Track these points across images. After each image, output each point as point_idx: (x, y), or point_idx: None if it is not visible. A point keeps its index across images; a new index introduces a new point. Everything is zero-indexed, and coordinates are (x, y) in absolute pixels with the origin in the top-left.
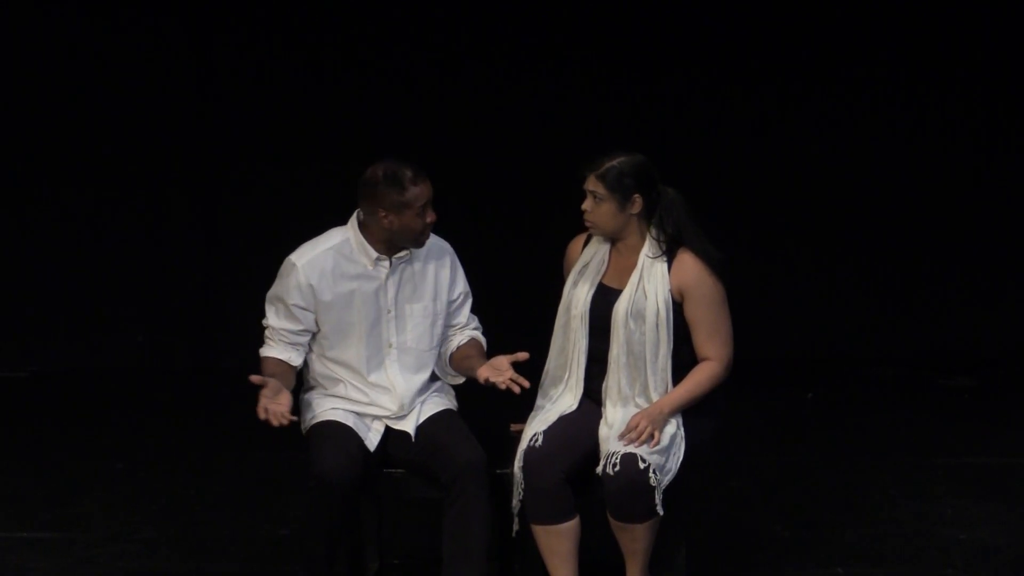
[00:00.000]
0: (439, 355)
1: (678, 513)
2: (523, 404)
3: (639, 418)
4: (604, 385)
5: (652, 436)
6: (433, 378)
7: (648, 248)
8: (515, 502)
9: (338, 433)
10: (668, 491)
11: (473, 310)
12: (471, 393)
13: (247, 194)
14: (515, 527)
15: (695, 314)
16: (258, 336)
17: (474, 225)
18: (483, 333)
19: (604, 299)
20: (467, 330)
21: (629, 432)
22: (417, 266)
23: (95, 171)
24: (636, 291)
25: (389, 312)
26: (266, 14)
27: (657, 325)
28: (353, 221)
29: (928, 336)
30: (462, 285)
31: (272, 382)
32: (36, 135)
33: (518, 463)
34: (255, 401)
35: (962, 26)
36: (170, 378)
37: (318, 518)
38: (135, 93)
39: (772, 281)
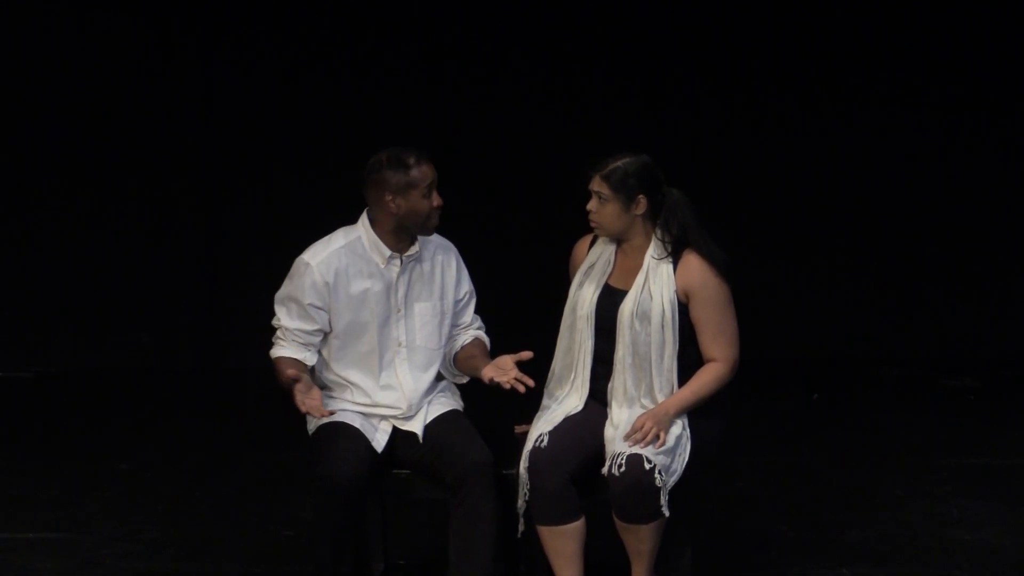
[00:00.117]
0: (444, 355)
1: (684, 514)
2: (528, 405)
3: (644, 419)
4: (610, 386)
5: (657, 437)
6: (439, 378)
7: (653, 249)
8: (520, 503)
9: (345, 434)
10: (674, 492)
11: (479, 310)
12: (476, 394)
13: (252, 195)
14: (520, 528)
15: (700, 315)
16: (263, 337)
17: (480, 226)
18: (488, 333)
19: (610, 300)
20: (471, 330)
21: (634, 433)
22: (425, 265)
23: (100, 172)
24: (642, 292)
25: (399, 311)
26: (271, 17)
27: (663, 326)
28: (363, 219)
29: (933, 337)
30: (467, 284)
31: (305, 377)
32: (40, 136)
33: (523, 464)
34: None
35: (968, 28)
36: (175, 379)
37: (324, 519)
38: (140, 95)
39: (777, 282)
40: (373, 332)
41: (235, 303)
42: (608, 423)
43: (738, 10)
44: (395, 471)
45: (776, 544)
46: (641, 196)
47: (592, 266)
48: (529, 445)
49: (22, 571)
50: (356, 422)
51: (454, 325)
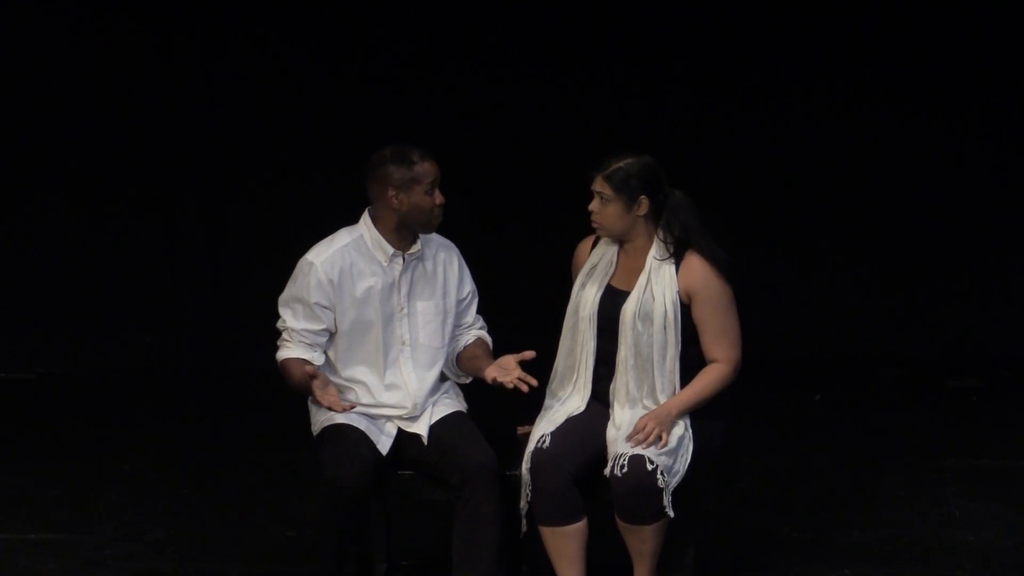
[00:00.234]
0: (447, 355)
1: (686, 514)
2: (531, 406)
3: (647, 420)
4: (612, 387)
5: (660, 438)
6: (443, 378)
7: (655, 250)
8: (523, 503)
9: (350, 436)
10: (676, 492)
11: (481, 311)
12: (479, 395)
13: (255, 195)
14: (523, 528)
15: (703, 316)
16: (265, 337)
17: (483, 227)
18: (490, 334)
19: (612, 301)
20: (473, 330)
21: (637, 434)
22: (428, 264)
23: (102, 172)
24: (644, 293)
25: (402, 310)
26: (273, 16)
27: (665, 327)
28: (365, 217)
29: (936, 338)
30: (469, 284)
31: (322, 374)
32: (43, 137)
33: (526, 464)
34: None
35: (969, 29)
36: (177, 379)
37: (329, 521)
38: (142, 95)
39: (780, 283)
40: (378, 331)
41: (237, 303)
42: (610, 424)
43: (741, 11)
44: (399, 472)
45: (778, 544)
46: (643, 197)
47: (594, 267)
48: (531, 446)
49: (24, 572)
50: (361, 424)
51: (456, 325)
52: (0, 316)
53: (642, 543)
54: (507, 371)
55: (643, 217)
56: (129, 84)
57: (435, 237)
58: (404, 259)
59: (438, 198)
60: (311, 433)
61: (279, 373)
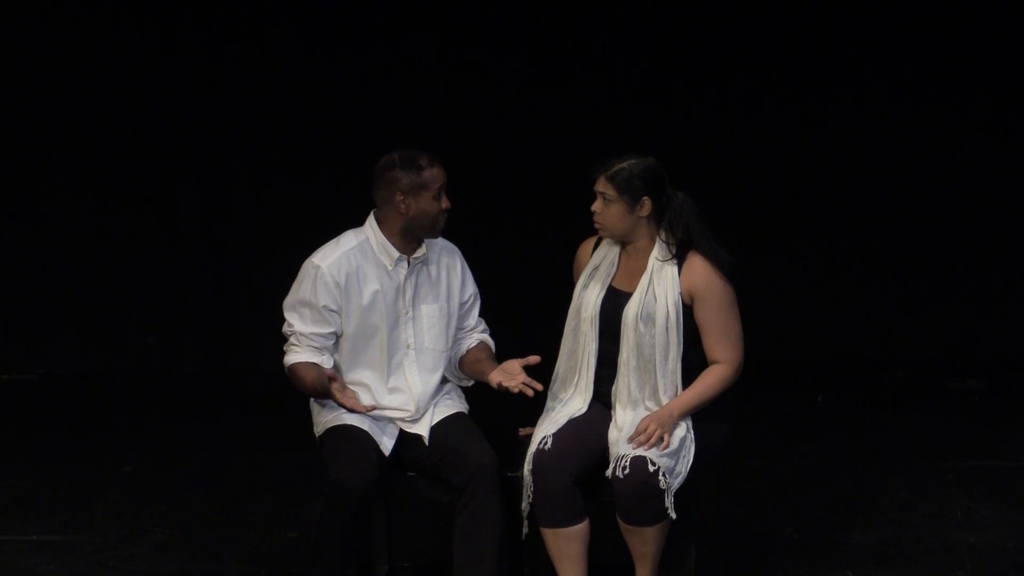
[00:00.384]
0: (448, 358)
1: (688, 516)
2: (533, 407)
3: (648, 421)
4: (614, 388)
5: (661, 439)
6: (444, 380)
7: (657, 251)
8: (524, 505)
9: (354, 438)
10: (678, 494)
11: (483, 313)
12: (481, 396)
13: (256, 198)
14: (524, 530)
15: (705, 317)
16: (267, 338)
17: (485, 228)
18: (492, 336)
19: (614, 302)
20: (475, 333)
21: (638, 435)
22: (432, 268)
23: (104, 174)
24: (646, 294)
25: (407, 314)
26: (275, 17)
27: (667, 328)
28: (371, 220)
29: (938, 339)
30: (472, 286)
31: (340, 377)
32: (45, 138)
33: (527, 466)
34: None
35: (970, 30)
36: (179, 380)
37: (333, 523)
38: (144, 96)
39: (782, 284)
40: (382, 335)
41: (239, 305)
42: (612, 425)
43: (744, 13)
44: (401, 473)
45: (781, 546)
46: (646, 198)
47: (596, 268)
48: (533, 447)
49: (26, 573)
50: (364, 425)
51: (459, 328)
52: (3, 317)
53: (644, 544)
54: (512, 376)
55: (645, 218)
56: (132, 86)
57: (438, 240)
58: (409, 263)
59: (444, 203)
60: (313, 435)
61: (284, 375)
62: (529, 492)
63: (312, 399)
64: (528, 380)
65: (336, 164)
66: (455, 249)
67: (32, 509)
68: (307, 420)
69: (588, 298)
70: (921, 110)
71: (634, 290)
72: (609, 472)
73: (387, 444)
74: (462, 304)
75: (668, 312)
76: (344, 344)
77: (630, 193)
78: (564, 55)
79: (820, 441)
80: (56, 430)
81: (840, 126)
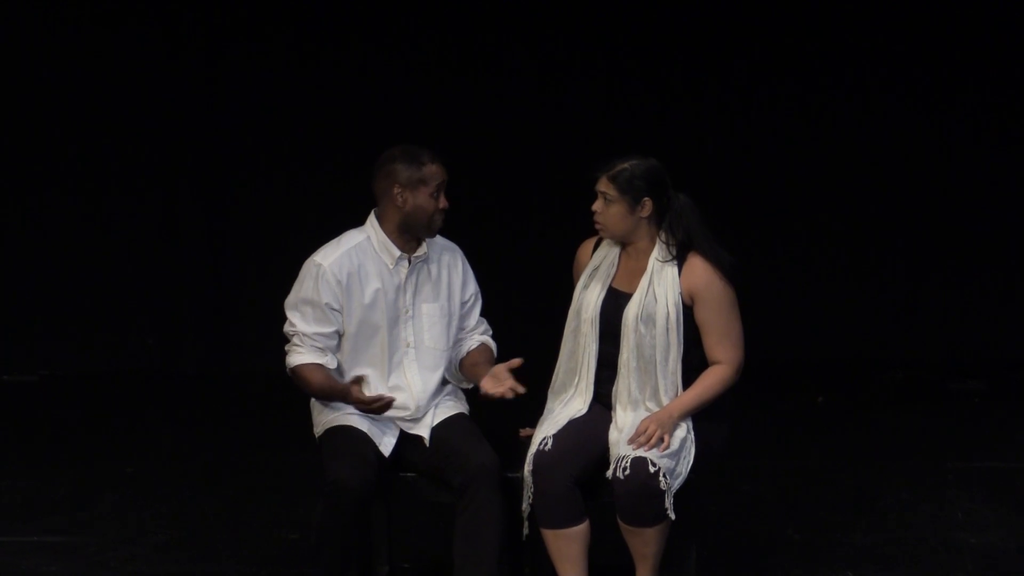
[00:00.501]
0: (449, 359)
1: (688, 516)
2: (533, 408)
3: (649, 422)
4: (614, 389)
5: (662, 440)
6: (445, 380)
7: (658, 252)
8: (525, 506)
9: (354, 438)
10: (678, 495)
11: (483, 313)
12: (481, 397)
13: (257, 198)
14: (525, 531)
15: (705, 318)
16: (268, 339)
17: (485, 228)
18: (493, 336)
19: (614, 303)
20: (476, 334)
21: (639, 436)
22: (432, 267)
23: (104, 174)
24: (646, 295)
25: (407, 312)
26: (275, 17)
27: (667, 329)
28: (371, 219)
29: (939, 340)
30: (473, 286)
31: (362, 377)
32: (46, 138)
33: (528, 467)
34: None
35: (971, 30)
36: (180, 381)
37: (333, 524)
38: (144, 96)
39: (782, 285)
40: (383, 333)
41: (240, 306)
42: (612, 426)
43: (746, 14)
44: (401, 474)
45: (781, 547)
46: (647, 198)
47: (596, 269)
48: (533, 448)
49: (28, 574)
50: (364, 426)
51: (460, 328)
52: (3, 318)
53: (644, 545)
54: (500, 382)
55: (646, 219)
56: (132, 86)
57: (439, 240)
58: (410, 262)
59: (442, 202)
60: (313, 435)
61: (284, 376)
62: (529, 493)
63: (312, 399)
64: (514, 384)
65: (336, 164)
66: (456, 248)
67: (33, 510)
68: (307, 421)
69: (588, 299)
70: (922, 111)
71: (634, 291)
72: (609, 473)
73: (387, 444)
74: (463, 303)
75: (668, 313)
76: (345, 343)
77: (631, 193)
78: (565, 55)
79: (820, 441)
80: (57, 431)
81: (841, 127)
